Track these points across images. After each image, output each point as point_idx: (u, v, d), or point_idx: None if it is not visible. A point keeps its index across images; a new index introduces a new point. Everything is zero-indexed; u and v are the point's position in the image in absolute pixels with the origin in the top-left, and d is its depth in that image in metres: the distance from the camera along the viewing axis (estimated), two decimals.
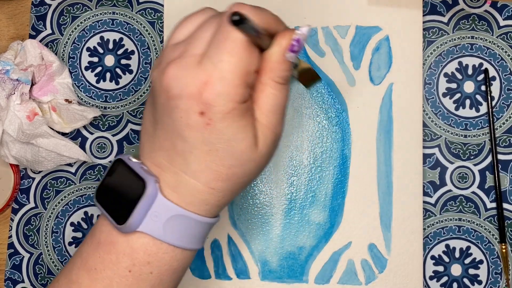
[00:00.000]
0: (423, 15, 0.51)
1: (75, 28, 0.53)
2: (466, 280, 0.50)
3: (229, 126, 0.32)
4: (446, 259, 0.50)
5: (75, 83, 0.53)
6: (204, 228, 0.35)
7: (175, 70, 0.32)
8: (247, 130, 0.32)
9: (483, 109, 0.50)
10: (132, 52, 0.53)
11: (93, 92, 0.53)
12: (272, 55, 0.33)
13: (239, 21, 0.28)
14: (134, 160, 0.35)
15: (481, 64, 0.51)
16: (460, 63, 0.51)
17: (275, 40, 0.33)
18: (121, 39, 0.53)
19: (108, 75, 0.53)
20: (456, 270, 0.50)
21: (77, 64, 0.53)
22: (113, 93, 0.53)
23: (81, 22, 0.53)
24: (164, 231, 0.34)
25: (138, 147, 0.37)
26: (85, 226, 0.52)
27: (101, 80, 0.53)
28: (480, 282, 0.50)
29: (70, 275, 0.36)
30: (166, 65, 0.32)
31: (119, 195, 0.35)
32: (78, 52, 0.53)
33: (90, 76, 0.53)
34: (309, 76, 0.41)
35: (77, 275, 0.35)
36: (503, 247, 0.49)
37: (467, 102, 0.51)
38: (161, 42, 0.52)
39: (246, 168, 0.34)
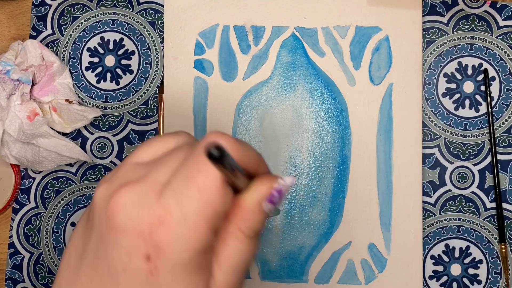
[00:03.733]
0: (423, 15, 0.51)
1: (76, 29, 0.53)
2: (465, 280, 0.50)
3: (177, 282, 0.25)
4: (446, 258, 0.50)
5: (75, 83, 0.53)
6: None
7: (128, 196, 0.25)
8: None
9: (483, 109, 0.50)
10: (133, 53, 0.53)
11: (93, 92, 0.53)
12: (246, 201, 0.26)
13: (217, 157, 0.22)
14: None
15: (480, 64, 0.51)
16: (459, 63, 0.51)
17: (253, 183, 0.26)
18: (121, 40, 0.53)
19: (108, 75, 0.53)
20: (455, 270, 0.50)
21: (78, 64, 0.53)
22: (114, 93, 0.53)
23: (81, 23, 0.53)
24: None
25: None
26: None
27: (102, 80, 0.53)
28: (479, 282, 0.50)
29: None
30: (119, 186, 0.25)
31: None
32: (79, 53, 0.53)
33: (91, 76, 0.53)
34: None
35: None
36: (503, 247, 0.49)
37: (467, 102, 0.51)
38: (161, 42, 0.53)
39: None
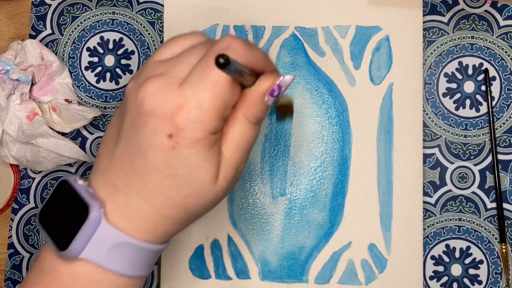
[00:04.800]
0: (423, 15, 0.51)
1: (75, 28, 0.53)
2: (466, 280, 0.50)
3: (195, 154, 0.31)
4: (446, 259, 0.50)
5: (75, 83, 0.53)
6: (151, 255, 0.34)
7: (153, 86, 0.31)
8: (211, 161, 0.32)
9: (483, 109, 0.50)
10: (132, 52, 0.53)
11: (93, 92, 0.53)
12: (251, 93, 0.32)
13: (222, 65, 0.28)
14: (80, 182, 0.33)
15: (481, 64, 0.51)
16: (460, 63, 0.51)
17: (259, 79, 0.32)
18: (121, 39, 0.53)
19: (108, 75, 0.53)
20: (456, 270, 0.50)
21: (77, 64, 0.53)
22: (113, 93, 0.53)
23: (81, 22, 0.53)
24: (109, 259, 0.32)
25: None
26: None
27: (101, 80, 0.53)
28: (480, 282, 0.50)
29: None
30: (145, 80, 0.31)
31: (62, 219, 0.33)
32: (78, 52, 0.53)
33: (90, 76, 0.53)
34: (286, 110, 0.41)
35: None
36: (503, 247, 0.49)
37: (467, 102, 0.51)
38: (161, 42, 0.52)
39: (202, 200, 0.33)
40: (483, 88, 0.51)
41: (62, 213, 0.33)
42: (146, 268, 0.35)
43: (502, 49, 0.50)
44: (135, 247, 0.33)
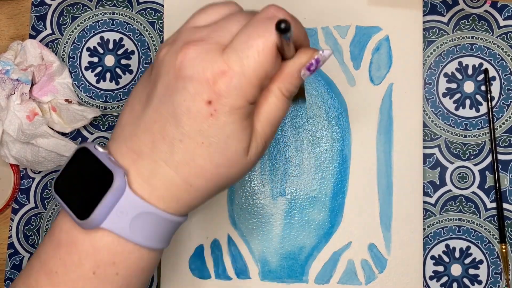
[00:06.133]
0: (423, 15, 0.51)
1: (75, 28, 0.53)
2: (466, 280, 0.50)
3: (232, 123, 0.30)
4: (446, 259, 0.50)
5: (75, 83, 0.53)
6: (173, 227, 0.33)
7: (195, 51, 0.30)
8: (246, 132, 0.31)
9: (483, 109, 0.50)
10: (132, 52, 0.53)
11: (93, 92, 0.53)
12: (288, 66, 0.32)
13: (284, 29, 0.28)
14: (100, 149, 0.32)
15: (481, 64, 0.51)
16: (460, 63, 0.51)
17: (297, 53, 0.32)
18: (121, 39, 0.53)
19: (108, 75, 0.53)
20: (456, 270, 0.50)
21: (77, 64, 0.53)
22: (113, 93, 0.53)
23: (81, 22, 0.53)
24: (131, 229, 0.31)
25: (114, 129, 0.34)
26: None
27: (101, 80, 0.53)
28: (480, 282, 0.50)
29: (28, 281, 0.33)
30: (184, 44, 0.30)
31: (82, 187, 0.32)
32: (78, 52, 0.53)
33: (90, 76, 0.53)
34: (298, 95, 0.41)
35: (37, 280, 0.32)
36: (503, 247, 0.49)
37: (467, 102, 0.51)
38: (161, 42, 0.52)
39: (231, 171, 0.32)
40: (483, 88, 0.51)
41: (81, 181, 0.32)
42: (165, 241, 0.34)
43: (502, 49, 0.50)
44: (158, 217, 0.32)
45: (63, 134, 0.52)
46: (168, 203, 0.32)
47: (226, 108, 0.30)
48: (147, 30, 0.53)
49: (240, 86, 0.29)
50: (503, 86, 0.50)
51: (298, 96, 0.41)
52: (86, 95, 0.53)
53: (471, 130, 0.50)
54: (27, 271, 0.33)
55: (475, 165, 0.50)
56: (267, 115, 0.32)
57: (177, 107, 0.30)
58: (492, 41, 0.50)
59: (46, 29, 0.53)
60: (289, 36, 0.29)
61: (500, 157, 0.50)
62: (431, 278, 0.50)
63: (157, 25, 0.53)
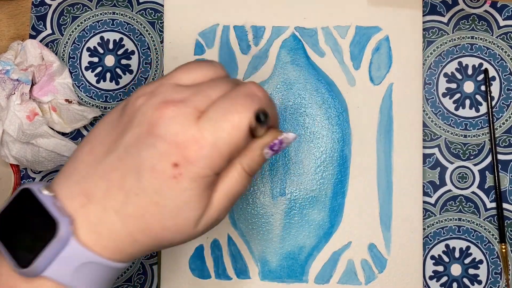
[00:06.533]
0: (423, 15, 0.51)
1: (75, 28, 0.53)
2: (466, 280, 0.50)
3: (192, 190, 0.30)
4: (446, 259, 0.50)
5: (75, 83, 0.53)
6: (115, 273, 0.33)
7: (173, 112, 0.30)
8: (202, 202, 0.31)
9: (483, 109, 0.50)
10: (132, 52, 0.53)
11: (93, 92, 0.53)
12: (254, 145, 0.32)
13: (262, 121, 0.29)
14: (46, 192, 0.31)
15: (481, 64, 0.51)
16: (460, 63, 0.51)
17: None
18: (121, 39, 0.53)
19: (108, 75, 0.53)
20: (456, 270, 0.50)
21: (77, 64, 0.53)
22: (113, 93, 0.53)
23: (81, 22, 0.53)
24: (73, 278, 0.30)
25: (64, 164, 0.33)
26: None
27: (101, 80, 0.53)
28: (480, 282, 0.50)
29: None
30: (164, 102, 0.30)
31: (23, 233, 0.30)
32: (78, 52, 0.53)
33: (90, 76, 0.53)
34: None
35: None
36: (503, 247, 0.49)
37: (467, 102, 0.51)
38: (161, 42, 0.53)
39: (176, 236, 0.32)
40: (482, 88, 0.51)
41: (23, 226, 0.31)
42: (108, 285, 0.33)
43: (502, 49, 0.50)
44: (102, 266, 0.31)
45: (63, 134, 0.52)
46: (112, 252, 0.31)
47: (191, 174, 0.30)
48: (147, 30, 0.53)
49: (209, 156, 0.30)
50: (503, 86, 0.50)
51: None
52: (86, 95, 0.53)
53: (471, 130, 0.50)
54: None
55: (475, 165, 0.50)
56: (226, 188, 0.32)
57: (142, 162, 0.30)
58: (492, 41, 0.50)
59: (46, 29, 0.53)
60: (266, 122, 0.30)
61: (500, 157, 0.50)
62: (431, 278, 0.50)
63: (157, 25, 0.53)
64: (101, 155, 0.31)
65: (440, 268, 0.50)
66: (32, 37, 0.53)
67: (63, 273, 0.30)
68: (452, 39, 0.51)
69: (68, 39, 0.53)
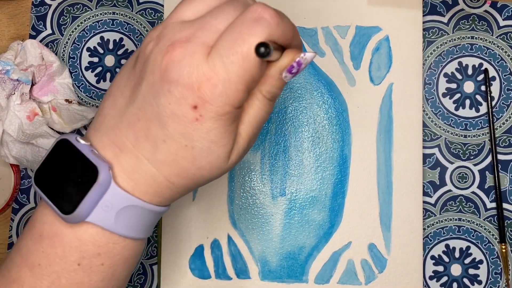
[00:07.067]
0: (423, 15, 0.51)
1: (75, 28, 0.53)
2: (466, 280, 0.50)
3: (216, 128, 0.30)
4: (446, 259, 0.50)
5: (75, 83, 0.53)
6: (156, 217, 0.33)
7: (181, 54, 0.29)
8: (229, 137, 0.31)
9: (483, 109, 0.50)
10: (132, 52, 0.53)
11: (93, 92, 0.53)
12: (271, 70, 0.31)
13: (262, 54, 0.27)
14: (82, 142, 0.31)
15: (481, 64, 0.51)
16: (460, 63, 0.51)
17: (281, 56, 0.32)
18: (121, 39, 0.53)
19: (108, 75, 0.53)
20: (456, 270, 0.50)
21: (77, 64, 0.53)
22: None
23: (81, 22, 0.53)
24: (116, 222, 0.31)
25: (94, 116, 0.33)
26: None
27: (101, 80, 0.53)
28: (480, 282, 0.50)
29: (9, 274, 0.32)
30: (171, 44, 0.29)
31: (65, 180, 0.31)
32: (78, 52, 0.53)
33: (90, 76, 0.53)
34: None
35: (18, 273, 0.32)
36: (503, 247, 0.49)
37: (467, 102, 0.51)
38: None
39: (212, 173, 0.32)
40: (483, 88, 0.51)
41: (63, 174, 0.31)
42: (149, 230, 0.34)
43: (502, 49, 0.50)
44: (143, 210, 0.32)
45: (64, 134, 0.52)
46: (151, 197, 0.32)
47: (211, 114, 0.29)
48: (147, 30, 0.53)
49: (225, 93, 0.29)
50: (503, 86, 0.50)
51: None
52: (86, 95, 0.53)
53: (471, 130, 0.50)
54: (7, 265, 0.33)
55: (475, 165, 0.50)
56: (250, 118, 0.32)
57: (162, 109, 0.30)
58: (492, 41, 0.50)
59: (46, 29, 0.53)
60: (271, 51, 0.29)
61: (500, 157, 0.50)
62: (431, 278, 0.50)
63: None
64: (123, 106, 0.31)
65: (440, 268, 0.50)
66: (32, 37, 0.53)
67: (106, 218, 0.31)
68: (452, 39, 0.51)
69: (68, 39, 0.53)
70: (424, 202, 0.50)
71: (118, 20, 0.53)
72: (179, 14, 0.31)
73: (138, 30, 0.53)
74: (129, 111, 0.31)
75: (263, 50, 0.27)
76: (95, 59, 0.53)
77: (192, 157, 0.31)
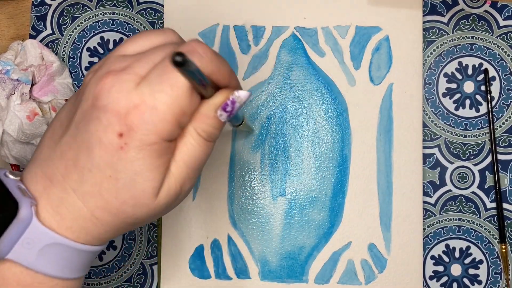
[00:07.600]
0: (423, 15, 0.51)
1: (75, 28, 0.53)
2: (466, 280, 0.50)
3: (141, 159, 0.29)
4: (446, 259, 0.50)
5: (75, 83, 0.53)
6: (86, 256, 0.32)
7: (112, 81, 0.29)
8: (157, 172, 0.30)
9: (483, 109, 0.50)
10: None
11: None
12: (204, 106, 0.30)
13: (180, 62, 0.26)
14: (11, 176, 0.31)
15: (481, 64, 0.51)
16: (460, 63, 0.51)
17: (215, 93, 0.31)
18: (121, 40, 0.53)
19: None
20: (456, 270, 0.50)
21: (77, 64, 0.53)
22: None
23: (81, 22, 0.53)
24: (38, 260, 0.30)
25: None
26: None
27: None
28: (480, 282, 0.50)
29: None
30: (105, 73, 0.29)
31: None
32: (78, 52, 0.53)
33: None
34: (242, 125, 0.43)
35: None
36: (503, 247, 0.49)
37: (467, 102, 0.51)
38: None
39: (137, 211, 0.30)
40: (482, 88, 0.51)
41: None
42: (82, 269, 0.33)
43: (502, 49, 0.50)
44: (68, 248, 0.31)
45: None
46: (77, 234, 0.31)
47: (136, 142, 0.29)
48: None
49: (151, 121, 0.28)
50: (503, 86, 0.50)
51: (243, 128, 0.42)
52: None
53: (471, 130, 0.50)
54: None
55: (475, 165, 0.50)
56: (183, 156, 0.31)
57: (90, 136, 0.29)
58: (492, 41, 0.50)
59: (46, 29, 0.53)
60: (195, 74, 0.28)
61: (500, 157, 0.50)
62: (431, 278, 0.50)
63: (157, 25, 0.53)
64: (58, 136, 0.31)
65: (440, 268, 0.50)
66: (32, 37, 0.53)
67: (27, 255, 0.30)
68: (452, 39, 0.51)
69: (68, 39, 0.53)
70: (424, 202, 0.50)
71: (118, 20, 0.53)
72: (122, 49, 0.32)
73: (138, 30, 0.53)
74: (63, 140, 0.31)
75: (178, 59, 0.26)
76: (95, 59, 0.53)
77: (116, 190, 0.30)
